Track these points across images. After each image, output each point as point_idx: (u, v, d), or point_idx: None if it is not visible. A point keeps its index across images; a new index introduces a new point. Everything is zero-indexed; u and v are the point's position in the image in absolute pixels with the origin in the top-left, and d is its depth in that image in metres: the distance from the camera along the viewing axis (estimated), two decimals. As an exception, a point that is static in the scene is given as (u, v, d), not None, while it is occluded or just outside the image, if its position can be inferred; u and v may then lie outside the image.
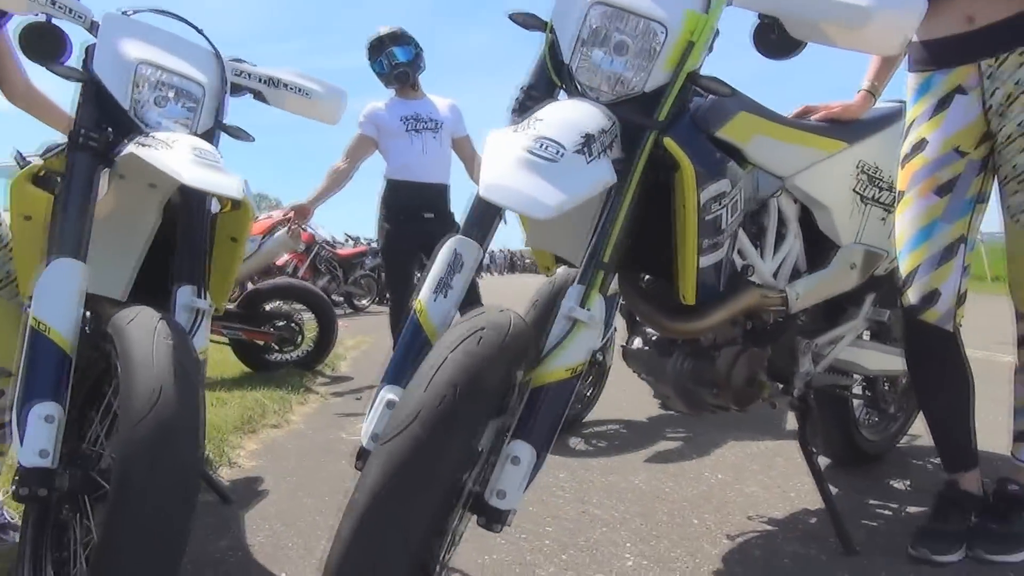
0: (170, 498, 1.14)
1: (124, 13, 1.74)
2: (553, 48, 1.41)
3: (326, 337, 4.87)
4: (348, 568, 1.03)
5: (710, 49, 1.47)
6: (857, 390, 2.30)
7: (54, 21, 1.64)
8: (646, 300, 1.59)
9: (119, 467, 1.14)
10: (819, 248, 1.89)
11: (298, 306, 5.00)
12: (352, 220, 61.37)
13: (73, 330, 1.41)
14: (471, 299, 3.38)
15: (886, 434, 2.42)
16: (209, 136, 1.74)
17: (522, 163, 1.08)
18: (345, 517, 1.07)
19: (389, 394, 1.33)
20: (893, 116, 1.94)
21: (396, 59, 3.72)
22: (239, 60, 1.99)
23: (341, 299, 10.98)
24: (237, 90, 2.00)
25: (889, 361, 2.08)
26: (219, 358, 4.47)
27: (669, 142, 1.32)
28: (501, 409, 1.31)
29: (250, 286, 5.27)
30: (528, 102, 1.41)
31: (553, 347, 1.28)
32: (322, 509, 2.12)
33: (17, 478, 1.31)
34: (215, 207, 1.84)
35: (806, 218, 1.86)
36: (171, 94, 1.71)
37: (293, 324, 4.85)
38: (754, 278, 1.68)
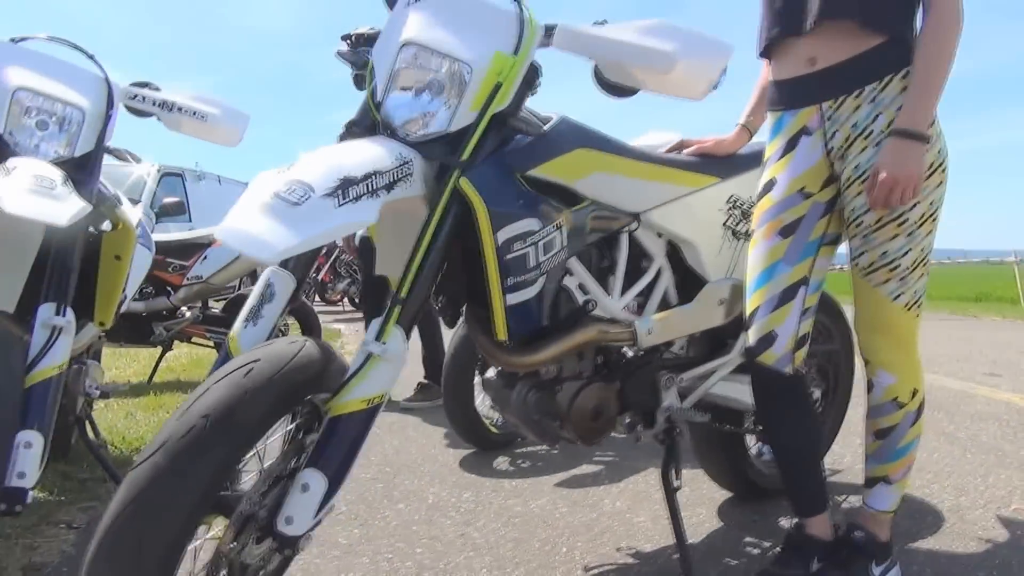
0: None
1: (13, 40, 1.84)
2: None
3: None
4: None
5: (533, 89, 1.50)
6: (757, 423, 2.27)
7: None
8: (484, 333, 1.61)
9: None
10: (692, 282, 1.89)
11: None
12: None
13: None
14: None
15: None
16: (88, 159, 1.82)
17: (263, 206, 1.12)
18: (92, 539, 1.12)
19: None
20: (770, 151, 1.93)
21: None
22: (142, 84, 2.07)
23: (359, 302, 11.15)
24: (142, 114, 2.08)
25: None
26: (209, 361, 4.61)
27: (464, 182, 1.34)
28: (297, 437, 1.35)
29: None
30: (348, 137, 1.45)
31: (350, 378, 1.32)
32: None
33: None
34: (106, 226, 1.92)
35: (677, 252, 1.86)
36: (51, 119, 1.79)
37: (278, 332, 4.97)
38: (599, 312, 1.69)
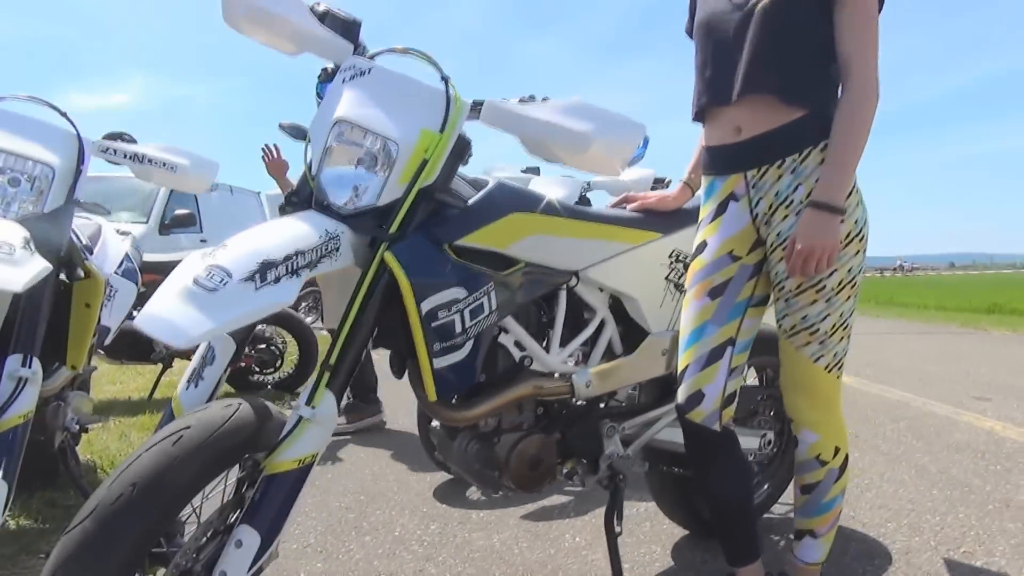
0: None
1: (-11, 100, 1.94)
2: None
3: (306, 360, 5.08)
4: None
5: (464, 160, 1.57)
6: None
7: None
8: (421, 389, 1.69)
9: None
10: (637, 332, 1.95)
11: (282, 330, 5.24)
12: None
13: None
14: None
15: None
16: (58, 214, 1.92)
17: (181, 292, 1.20)
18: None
19: None
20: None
21: None
22: (115, 136, 2.17)
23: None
24: (115, 163, 2.18)
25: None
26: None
27: (389, 256, 1.42)
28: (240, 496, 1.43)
29: None
30: (288, 208, 1.53)
31: (282, 440, 1.39)
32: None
33: None
34: (80, 274, 2.02)
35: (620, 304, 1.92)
36: (23, 177, 1.89)
37: (274, 347, 5.09)
38: (537, 366, 1.76)
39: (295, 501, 1.42)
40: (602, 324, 1.92)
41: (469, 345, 1.55)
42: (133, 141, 2.20)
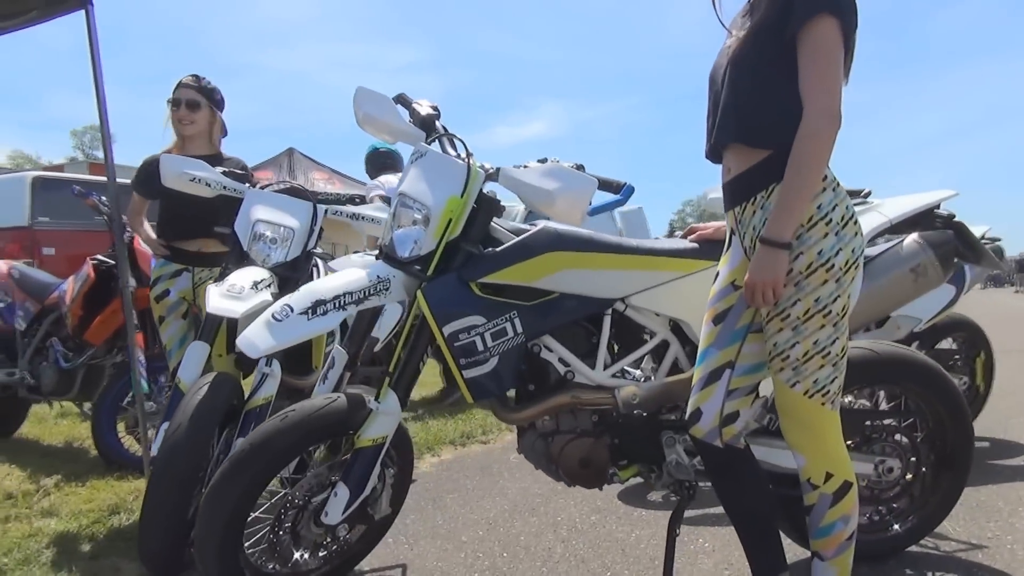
0: None
1: (263, 187, 2.89)
2: None
3: None
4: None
5: (496, 214, 1.99)
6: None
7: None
8: None
9: None
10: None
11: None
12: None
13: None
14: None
15: (882, 535, 2.33)
16: (296, 261, 2.78)
17: (263, 321, 1.85)
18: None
19: None
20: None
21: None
22: (343, 200, 2.99)
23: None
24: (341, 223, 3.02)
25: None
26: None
27: (419, 292, 1.91)
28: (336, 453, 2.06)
29: None
30: (380, 257, 2.10)
31: (362, 424, 1.98)
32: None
33: None
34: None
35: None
36: (278, 236, 2.78)
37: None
38: (581, 379, 2.07)
39: (373, 469, 1.98)
40: (665, 344, 2.15)
41: (495, 360, 1.95)
42: (353, 203, 3.00)
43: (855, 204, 2.28)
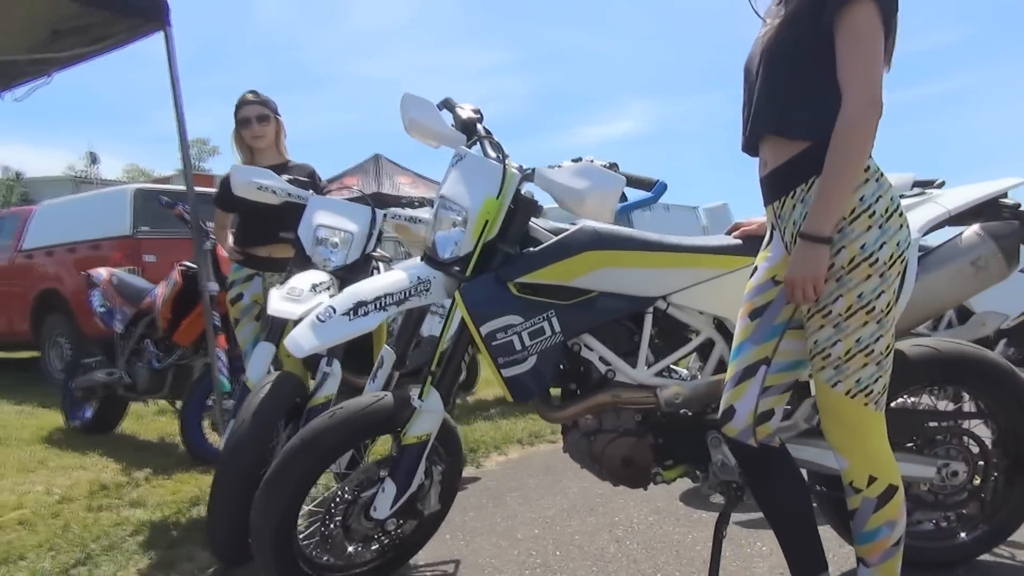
0: None
1: (324, 193, 3.01)
2: None
3: None
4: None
5: (536, 214, 2.02)
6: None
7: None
8: None
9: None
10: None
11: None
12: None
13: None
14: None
15: (948, 543, 2.21)
16: (356, 265, 2.88)
17: (308, 322, 1.93)
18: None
19: None
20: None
21: None
22: (403, 204, 3.08)
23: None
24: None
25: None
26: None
27: (457, 293, 1.95)
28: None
29: None
30: (423, 260, 2.15)
31: (406, 421, 2.05)
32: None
33: None
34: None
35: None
36: (338, 239, 2.89)
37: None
38: (622, 378, 2.07)
39: (419, 466, 2.04)
40: (711, 343, 2.12)
41: (533, 359, 1.97)
42: (411, 208, 3.07)
43: (914, 195, 2.19)
